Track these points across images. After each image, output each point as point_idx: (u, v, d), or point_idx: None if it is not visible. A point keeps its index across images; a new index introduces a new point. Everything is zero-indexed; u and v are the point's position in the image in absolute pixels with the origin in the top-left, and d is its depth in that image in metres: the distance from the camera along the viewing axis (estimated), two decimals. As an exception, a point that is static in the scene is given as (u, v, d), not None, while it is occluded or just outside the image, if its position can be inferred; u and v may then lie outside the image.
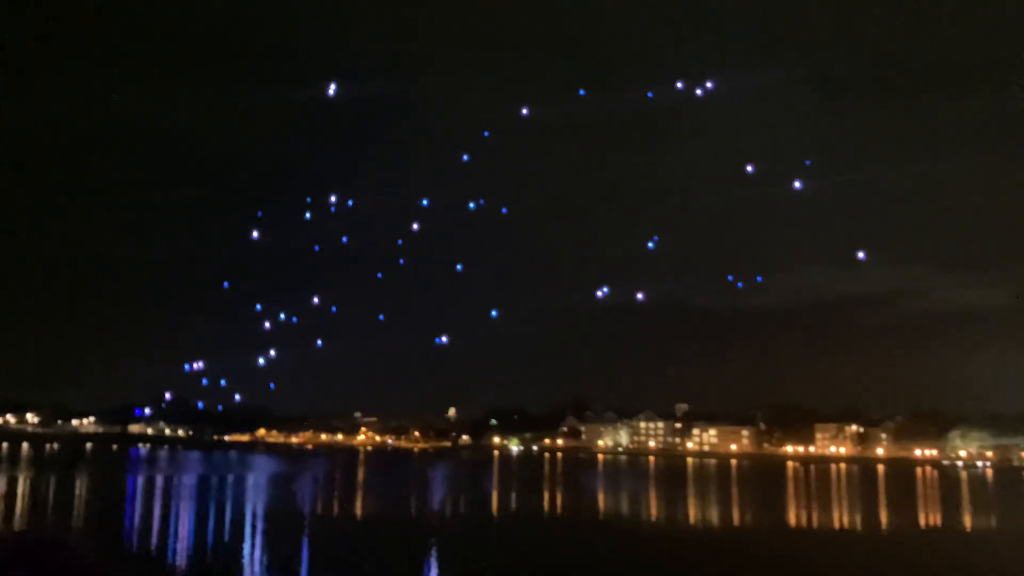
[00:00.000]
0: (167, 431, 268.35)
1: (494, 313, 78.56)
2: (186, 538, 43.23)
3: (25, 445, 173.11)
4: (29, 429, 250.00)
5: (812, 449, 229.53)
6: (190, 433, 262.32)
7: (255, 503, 64.00)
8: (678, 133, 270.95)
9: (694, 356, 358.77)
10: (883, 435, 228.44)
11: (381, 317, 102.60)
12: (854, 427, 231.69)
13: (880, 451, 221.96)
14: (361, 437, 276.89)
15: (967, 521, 63.49)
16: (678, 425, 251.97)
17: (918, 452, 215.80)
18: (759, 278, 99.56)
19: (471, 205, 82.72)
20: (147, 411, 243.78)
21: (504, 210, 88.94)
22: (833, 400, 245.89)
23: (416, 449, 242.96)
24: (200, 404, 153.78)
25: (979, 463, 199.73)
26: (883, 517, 64.47)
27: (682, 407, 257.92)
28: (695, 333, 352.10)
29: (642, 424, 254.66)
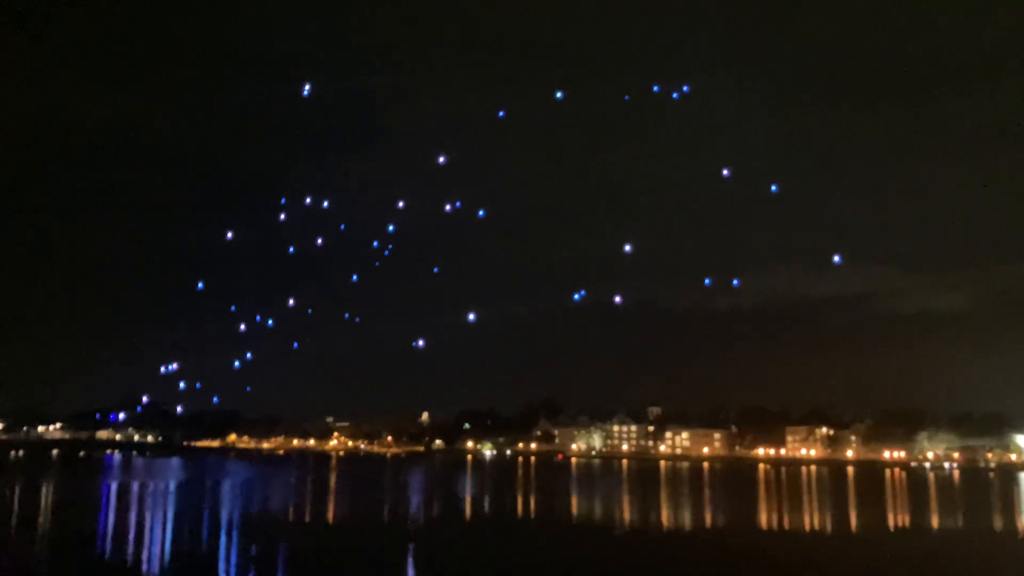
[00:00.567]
0: (136, 437, 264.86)
1: (472, 316, 78.44)
2: (154, 546, 42.73)
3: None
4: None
5: (783, 452, 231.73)
6: (160, 439, 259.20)
7: (230, 510, 63.39)
8: (651, 136, 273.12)
9: (665, 358, 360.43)
10: (852, 437, 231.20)
11: (351, 317, 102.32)
12: (824, 429, 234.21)
13: (850, 453, 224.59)
14: (333, 442, 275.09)
15: (934, 522, 64.43)
16: (651, 428, 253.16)
17: (887, 454, 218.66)
18: (735, 282, 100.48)
19: (447, 208, 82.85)
20: (122, 416, 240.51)
21: (481, 213, 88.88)
22: (803, 401, 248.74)
23: (389, 454, 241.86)
24: (180, 408, 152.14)
25: (946, 465, 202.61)
26: (853, 518, 65.27)
27: (654, 410, 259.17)
28: (666, 335, 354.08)
29: (615, 427, 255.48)
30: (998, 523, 63.45)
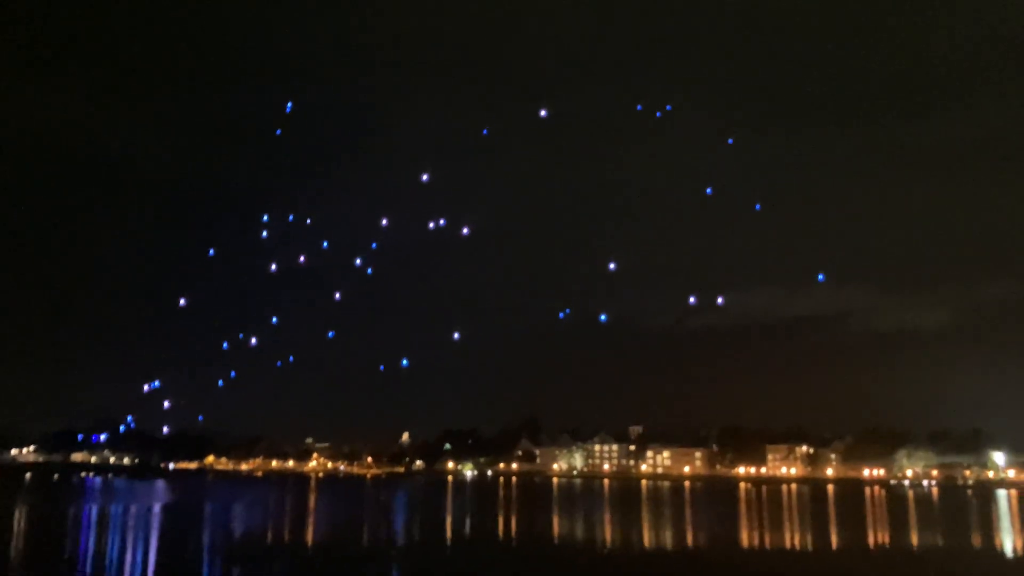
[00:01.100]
0: (112, 459, 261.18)
1: (456, 335, 78.28)
2: (131, 570, 42.11)
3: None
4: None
5: (764, 470, 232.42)
6: (136, 461, 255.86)
7: (209, 533, 62.64)
8: (634, 154, 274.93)
9: (646, 377, 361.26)
10: (832, 456, 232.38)
11: (332, 334, 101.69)
12: (804, 448, 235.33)
13: (830, 471, 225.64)
14: (313, 463, 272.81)
15: (914, 539, 64.78)
16: (632, 447, 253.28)
17: (867, 472, 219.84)
18: (720, 300, 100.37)
19: (430, 225, 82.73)
20: (103, 437, 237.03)
21: (465, 231, 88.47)
22: (782, 420, 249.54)
23: (369, 475, 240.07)
24: (166, 428, 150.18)
25: (925, 482, 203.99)
26: (834, 537, 65.44)
27: (636, 429, 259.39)
28: (646, 354, 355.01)
29: (596, 447, 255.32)
30: (976, 540, 63.85)
